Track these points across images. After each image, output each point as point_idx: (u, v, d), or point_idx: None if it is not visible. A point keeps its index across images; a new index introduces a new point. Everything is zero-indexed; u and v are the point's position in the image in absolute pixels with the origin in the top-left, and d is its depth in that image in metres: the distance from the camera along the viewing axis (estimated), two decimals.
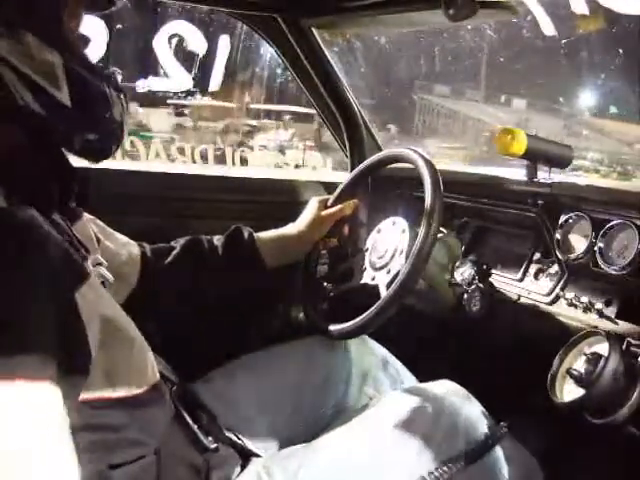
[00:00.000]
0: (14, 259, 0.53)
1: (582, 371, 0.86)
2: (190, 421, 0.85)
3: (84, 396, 0.61)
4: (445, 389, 0.97)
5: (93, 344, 0.60)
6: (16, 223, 0.55)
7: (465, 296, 1.10)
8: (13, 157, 0.62)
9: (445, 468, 0.85)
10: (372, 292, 1.04)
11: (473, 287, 1.10)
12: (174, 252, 1.06)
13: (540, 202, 1.12)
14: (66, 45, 0.65)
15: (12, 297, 0.52)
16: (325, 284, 1.17)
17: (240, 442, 0.93)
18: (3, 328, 0.50)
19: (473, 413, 0.94)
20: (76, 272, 0.61)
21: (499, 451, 0.91)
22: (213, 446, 0.84)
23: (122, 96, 0.72)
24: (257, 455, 0.92)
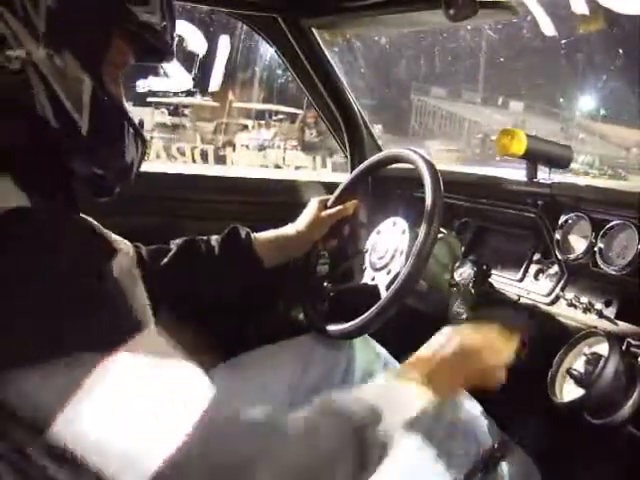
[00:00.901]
0: (57, 255, 0.55)
1: (582, 371, 0.86)
2: None
3: None
4: None
5: None
6: (49, 221, 0.57)
7: (450, 300, 1.10)
8: (26, 156, 0.63)
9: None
10: (372, 292, 1.04)
11: (464, 290, 1.09)
12: (170, 253, 1.05)
13: (540, 202, 1.12)
14: (101, 75, 0.65)
15: (90, 293, 0.55)
16: (325, 284, 1.17)
17: None
18: (105, 312, 0.54)
19: (473, 412, 0.94)
20: (106, 252, 0.62)
21: (503, 459, 0.91)
22: None
23: (140, 141, 0.72)
24: None
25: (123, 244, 0.96)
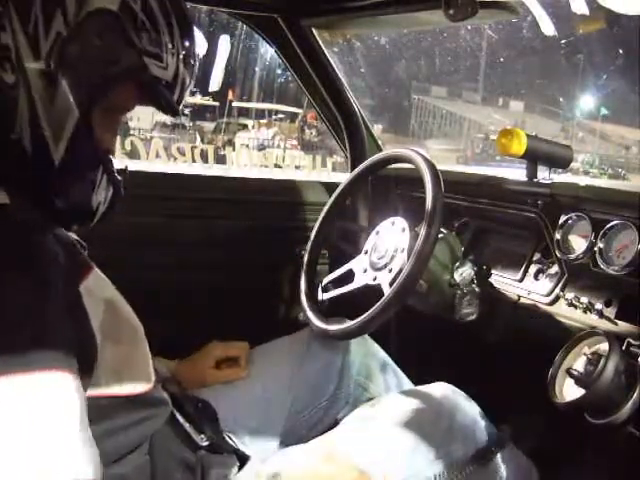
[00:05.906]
0: (21, 257, 0.54)
1: (582, 371, 0.86)
2: (181, 419, 0.85)
3: (92, 392, 0.61)
4: (443, 391, 0.97)
5: (98, 332, 0.61)
6: (20, 221, 0.57)
7: (456, 300, 1.09)
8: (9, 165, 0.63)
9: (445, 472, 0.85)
10: (373, 292, 1.03)
11: (469, 289, 1.09)
12: None
13: (540, 202, 1.12)
14: (91, 113, 0.63)
15: (24, 295, 0.53)
16: (325, 284, 1.17)
17: (237, 440, 0.93)
18: (19, 327, 0.51)
19: (472, 415, 0.94)
20: (79, 265, 0.62)
21: (498, 452, 0.91)
22: (205, 444, 0.84)
23: (113, 188, 0.70)
24: (254, 455, 0.92)
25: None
